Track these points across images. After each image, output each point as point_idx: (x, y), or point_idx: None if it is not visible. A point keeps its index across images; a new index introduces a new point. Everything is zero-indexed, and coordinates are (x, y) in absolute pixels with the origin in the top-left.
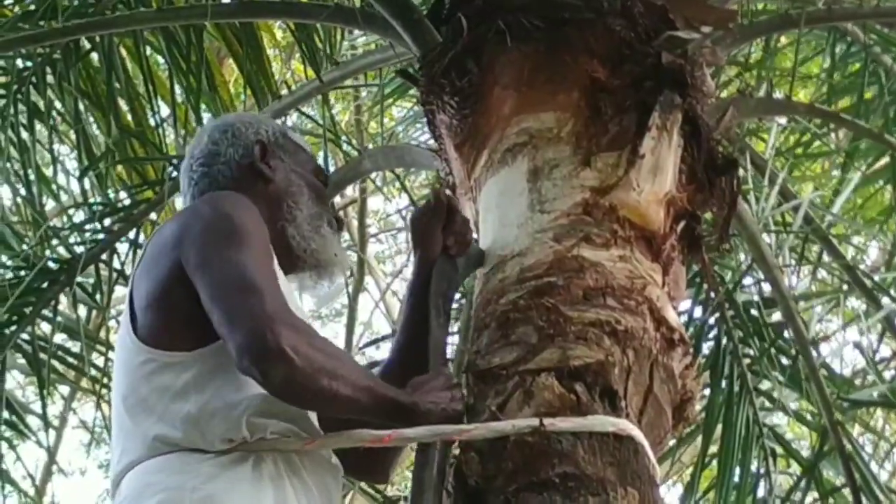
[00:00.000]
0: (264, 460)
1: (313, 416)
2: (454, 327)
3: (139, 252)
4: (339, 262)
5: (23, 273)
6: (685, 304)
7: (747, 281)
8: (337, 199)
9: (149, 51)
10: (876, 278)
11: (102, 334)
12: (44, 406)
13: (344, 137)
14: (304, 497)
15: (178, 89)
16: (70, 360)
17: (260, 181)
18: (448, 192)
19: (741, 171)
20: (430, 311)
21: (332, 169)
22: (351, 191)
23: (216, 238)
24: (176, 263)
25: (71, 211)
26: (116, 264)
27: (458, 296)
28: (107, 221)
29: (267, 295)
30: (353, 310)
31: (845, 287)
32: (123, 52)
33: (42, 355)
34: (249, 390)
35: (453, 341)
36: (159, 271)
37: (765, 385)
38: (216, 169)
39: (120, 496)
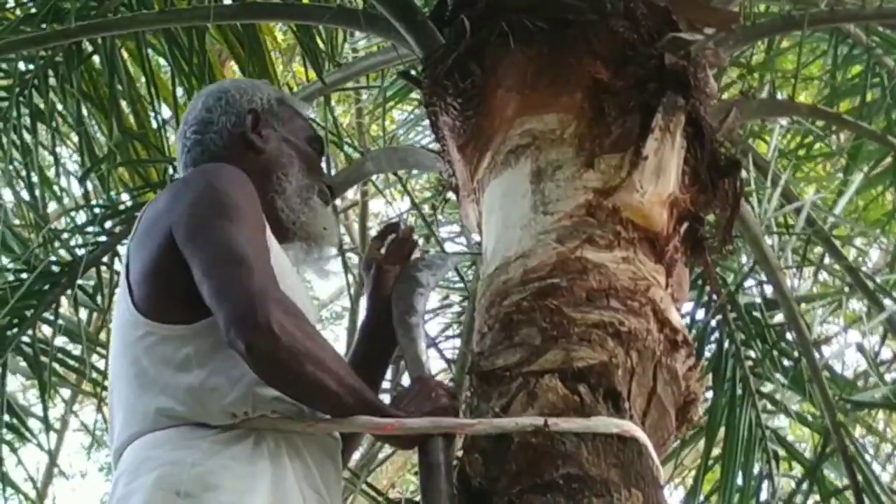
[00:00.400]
0: (265, 439)
1: None
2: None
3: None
4: (328, 235)
5: (24, 275)
6: (687, 307)
7: (750, 283)
8: (338, 202)
9: (151, 53)
10: (878, 280)
11: (103, 337)
12: (45, 409)
13: (346, 139)
14: (303, 477)
15: (180, 91)
16: (71, 362)
17: (251, 151)
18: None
19: (744, 173)
20: (398, 332)
21: (333, 171)
22: (352, 193)
23: (207, 211)
24: (168, 235)
25: (73, 213)
26: (118, 267)
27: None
28: (108, 224)
29: (256, 269)
30: (354, 312)
31: (847, 289)
32: (125, 54)
33: (43, 358)
34: (244, 367)
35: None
36: (152, 243)
37: (767, 387)
38: (208, 137)
39: (121, 467)
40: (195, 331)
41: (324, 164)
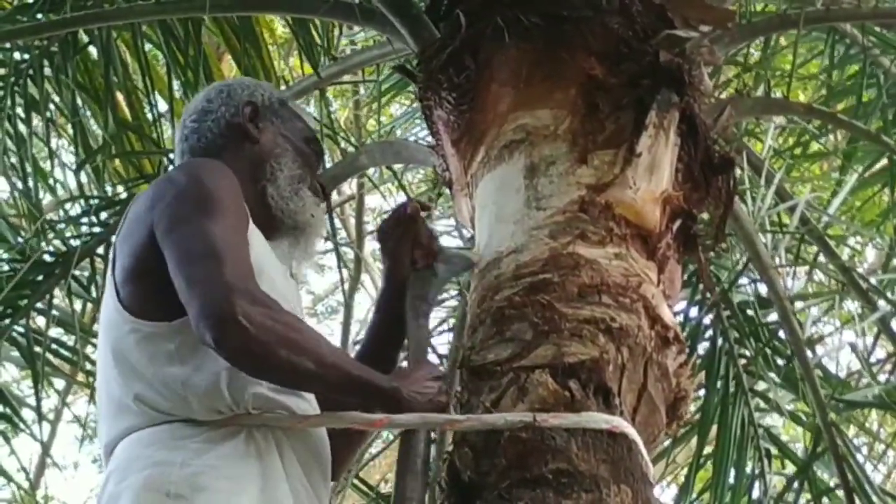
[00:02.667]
0: (254, 437)
1: (307, 394)
2: (448, 325)
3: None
4: (316, 224)
5: (18, 266)
6: (681, 304)
7: (744, 281)
8: (335, 196)
9: (147, 46)
10: (873, 280)
11: (97, 328)
12: (38, 399)
13: (342, 133)
14: (294, 476)
15: (175, 84)
16: (65, 353)
17: (246, 141)
18: (416, 204)
19: (738, 171)
20: (407, 314)
21: (329, 165)
22: (349, 188)
23: (185, 207)
24: (150, 233)
25: (67, 204)
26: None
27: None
28: (103, 215)
29: (228, 262)
30: (349, 307)
31: (841, 289)
32: (122, 45)
33: (37, 348)
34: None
35: (445, 340)
36: (136, 240)
37: (760, 386)
38: (206, 125)
39: (111, 465)
40: (177, 328)
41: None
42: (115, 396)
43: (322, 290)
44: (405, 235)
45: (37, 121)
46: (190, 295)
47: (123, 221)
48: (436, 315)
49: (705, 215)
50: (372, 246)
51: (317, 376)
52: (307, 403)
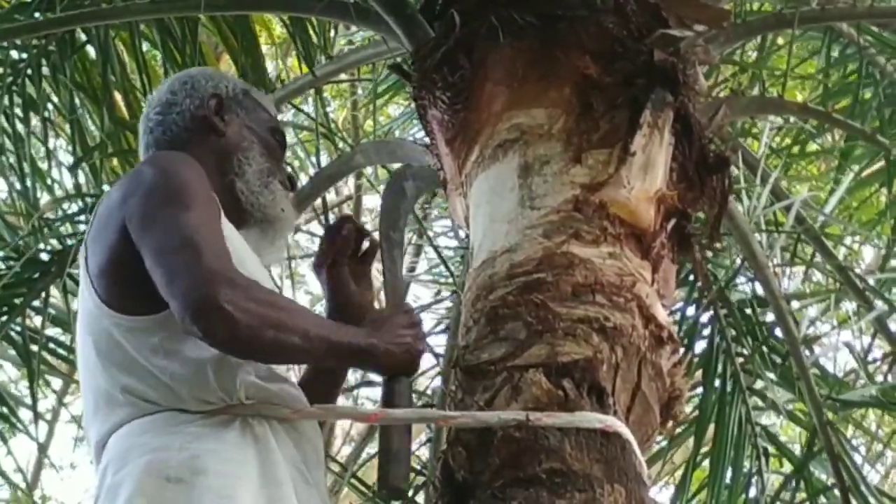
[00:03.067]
0: (249, 423)
1: (292, 380)
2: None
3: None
4: (286, 219)
5: (14, 264)
6: (679, 303)
7: (741, 279)
8: (332, 196)
9: (145, 45)
10: (871, 280)
11: None
12: (34, 398)
13: (337, 133)
14: (290, 460)
15: None
16: (62, 352)
17: (212, 134)
18: (351, 225)
19: (733, 170)
20: (382, 252)
21: (324, 163)
22: (346, 188)
23: (157, 201)
24: (123, 229)
25: (64, 203)
26: None
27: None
28: None
29: (206, 251)
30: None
31: (835, 287)
32: (119, 44)
33: (33, 347)
34: (214, 351)
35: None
36: (108, 237)
37: (758, 384)
38: (171, 118)
39: (106, 458)
40: (159, 321)
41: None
42: (102, 391)
43: (321, 291)
44: (341, 256)
45: (34, 120)
46: (171, 288)
47: (93, 220)
48: (433, 316)
49: (701, 214)
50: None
51: (304, 350)
52: (296, 389)
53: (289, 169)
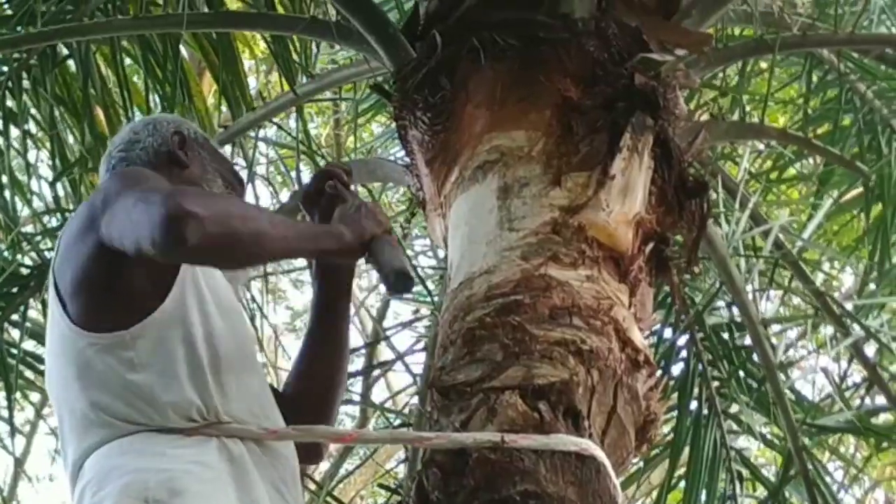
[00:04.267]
0: (225, 444)
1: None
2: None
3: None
4: None
5: None
6: (656, 325)
7: (719, 303)
8: None
9: (126, 60)
10: (849, 306)
11: None
12: (10, 412)
13: (318, 151)
14: (267, 479)
15: (153, 98)
16: (39, 366)
17: (175, 167)
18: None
19: (713, 195)
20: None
21: (304, 182)
22: None
23: (116, 196)
24: (95, 243)
25: (44, 217)
26: None
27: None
28: None
29: (156, 190)
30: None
31: (812, 312)
32: (100, 59)
33: (10, 361)
34: (191, 366)
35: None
36: (79, 255)
37: (734, 408)
38: (134, 154)
39: (83, 480)
40: (133, 334)
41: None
42: (79, 413)
43: (301, 306)
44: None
45: (14, 133)
46: (135, 230)
47: (59, 246)
48: (412, 334)
49: (679, 238)
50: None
51: (276, 239)
52: (273, 409)
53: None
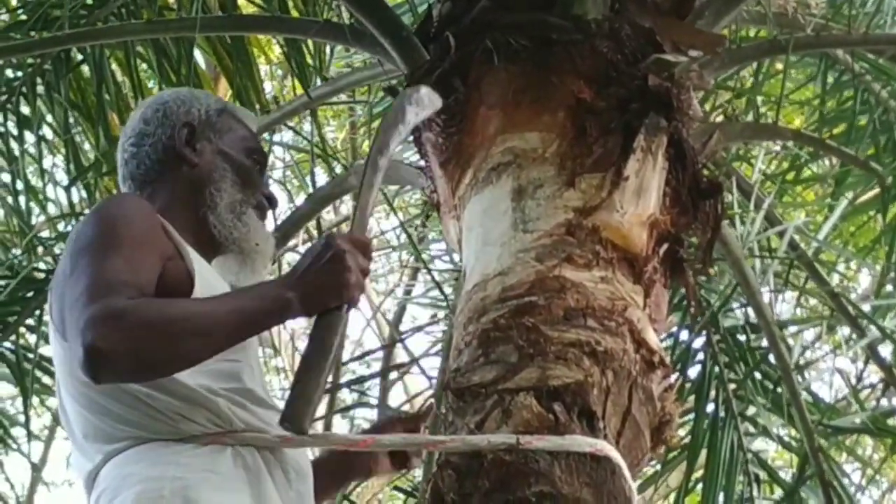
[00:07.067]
0: (240, 452)
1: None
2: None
3: None
4: (261, 252)
5: (8, 282)
6: (672, 327)
7: (734, 305)
8: (331, 217)
9: (142, 65)
10: (867, 306)
11: None
12: (27, 417)
13: (334, 154)
14: (282, 486)
15: None
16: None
17: (184, 164)
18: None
19: (727, 196)
20: (366, 169)
21: (319, 185)
22: (346, 209)
23: (75, 258)
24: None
25: (59, 222)
26: None
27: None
28: None
29: (93, 293)
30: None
31: (828, 313)
32: (114, 63)
33: (26, 365)
34: (198, 375)
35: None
36: (63, 278)
37: (750, 410)
38: (144, 151)
39: (98, 488)
40: None
41: (264, 176)
42: (91, 424)
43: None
44: None
45: (29, 138)
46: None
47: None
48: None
49: (694, 239)
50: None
51: (210, 343)
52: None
53: (270, 187)
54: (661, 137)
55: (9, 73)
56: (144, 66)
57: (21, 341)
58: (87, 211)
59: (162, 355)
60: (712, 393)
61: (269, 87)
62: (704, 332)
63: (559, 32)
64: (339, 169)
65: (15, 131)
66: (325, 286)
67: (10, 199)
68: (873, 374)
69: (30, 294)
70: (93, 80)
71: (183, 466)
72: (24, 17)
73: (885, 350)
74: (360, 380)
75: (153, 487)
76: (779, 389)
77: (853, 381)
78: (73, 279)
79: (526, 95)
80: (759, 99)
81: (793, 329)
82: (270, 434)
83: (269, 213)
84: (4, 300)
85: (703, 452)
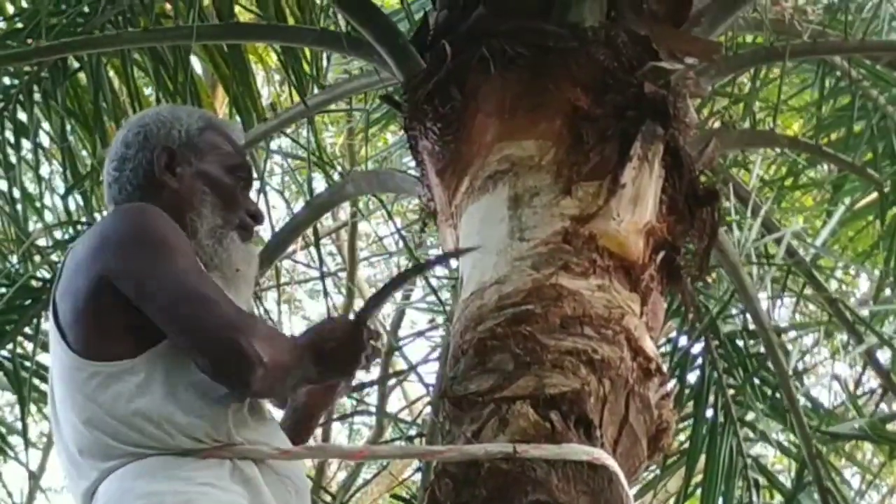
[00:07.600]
0: (238, 465)
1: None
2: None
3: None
4: (243, 276)
5: (4, 290)
6: (671, 333)
7: (734, 311)
8: (329, 223)
9: (137, 73)
10: (865, 312)
11: None
12: (24, 424)
13: (331, 161)
14: (280, 498)
15: None
16: None
17: (164, 190)
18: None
19: (724, 203)
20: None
21: (317, 192)
22: (343, 215)
23: (143, 253)
24: (99, 276)
25: (55, 230)
26: None
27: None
28: None
29: (222, 302)
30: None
31: (827, 319)
32: (111, 71)
33: (24, 373)
34: (201, 390)
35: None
36: (80, 287)
37: (749, 416)
38: (125, 176)
39: (100, 502)
40: (139, 362)
41: (251, 194)
42: (88, 441)
43: (316, 316)
44: None
45: (26, 146)
46: (196, 341)
47: (60, 274)
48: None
49: (691, 246)
50: (366, 273)
51: (298, 380)
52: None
53: (256, 204)
54: (657, 145)
55: (6, 80)
56: (141, 73)
57: (18, 350)
58: (83, 219)
59: (286, 384)
60: (711, 398)
61: (266, 93)
62: (703, 338)
63: (555, 40)
64: (336, 176)
65: (12, 139)
66: (339, 372)
67: (6, 207)
68: (872, 380)
69: (27, 302)
70: (90, 88)
71: (183, 480)
72: (20, 25)
73: (883, 356)
74: (359, 387)
75: (154, 502)
76: (777, 395)
77: (851, 386)
78: (156, 282)
79: (522, 103)
80: (757, 105)
81: (791, 335)
82: (269, 447)
83: (256, 228)
84: (2, 308)
85: (703, 457)
